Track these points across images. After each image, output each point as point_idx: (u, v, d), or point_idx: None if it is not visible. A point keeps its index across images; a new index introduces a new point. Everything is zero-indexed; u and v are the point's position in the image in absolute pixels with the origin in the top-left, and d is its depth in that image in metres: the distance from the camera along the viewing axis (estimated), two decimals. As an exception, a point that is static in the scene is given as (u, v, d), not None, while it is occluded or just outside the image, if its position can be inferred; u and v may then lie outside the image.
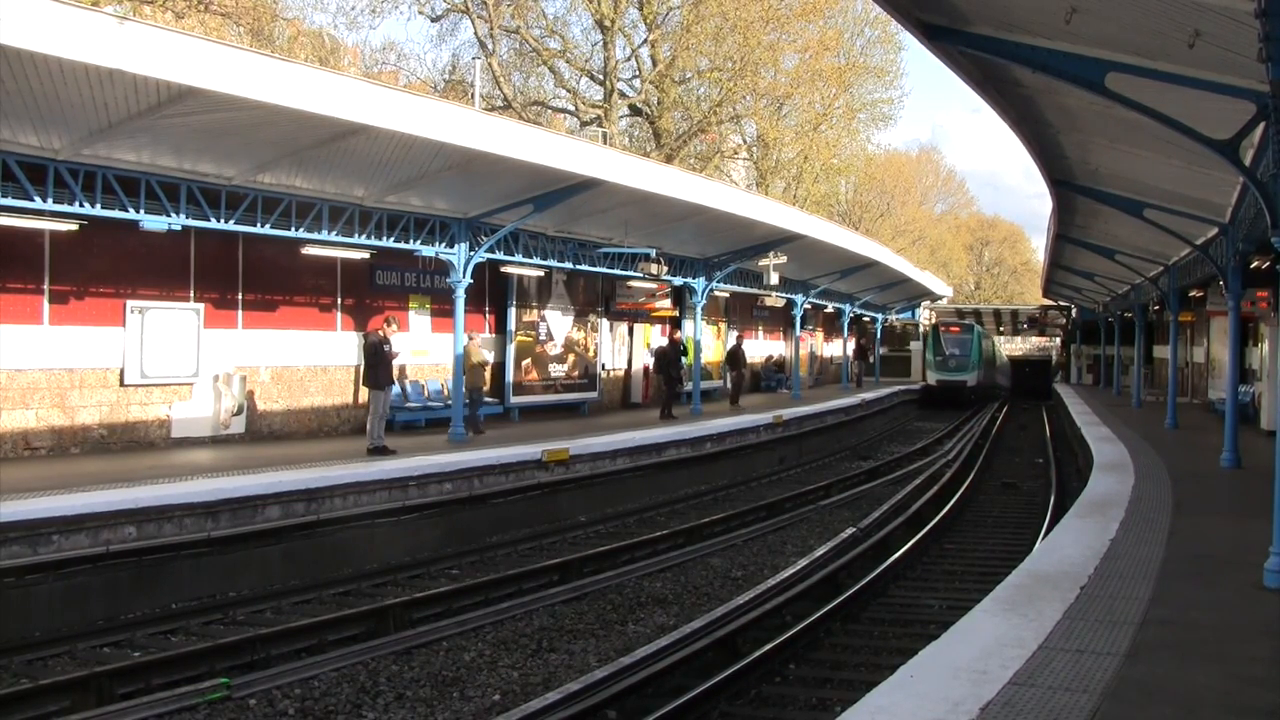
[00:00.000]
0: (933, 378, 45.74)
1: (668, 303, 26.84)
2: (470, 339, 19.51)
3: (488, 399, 21.06)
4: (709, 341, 30.45)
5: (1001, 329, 68.12)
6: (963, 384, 45.06)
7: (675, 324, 27.81)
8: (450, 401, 18.36)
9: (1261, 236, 12.33)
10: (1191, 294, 24.90)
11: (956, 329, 47.01)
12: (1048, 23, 8.40)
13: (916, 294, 46.76)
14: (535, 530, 14.92)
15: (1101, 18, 8.15)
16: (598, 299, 25.44)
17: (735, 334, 31.21)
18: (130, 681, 8.21)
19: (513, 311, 21.89)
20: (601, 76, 38.56)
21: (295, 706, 7.83)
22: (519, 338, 22.01)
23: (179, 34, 10.67)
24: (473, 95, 32.02)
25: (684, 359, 24.75)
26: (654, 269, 21.57)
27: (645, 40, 39.26)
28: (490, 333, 21.84)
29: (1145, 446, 17.42)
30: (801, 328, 34.50)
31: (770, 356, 37.63)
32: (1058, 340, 63.46)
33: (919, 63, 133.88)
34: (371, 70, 38.07)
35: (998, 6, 8.68)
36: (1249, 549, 8.53)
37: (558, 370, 23.58)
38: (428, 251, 16.74)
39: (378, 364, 15.35)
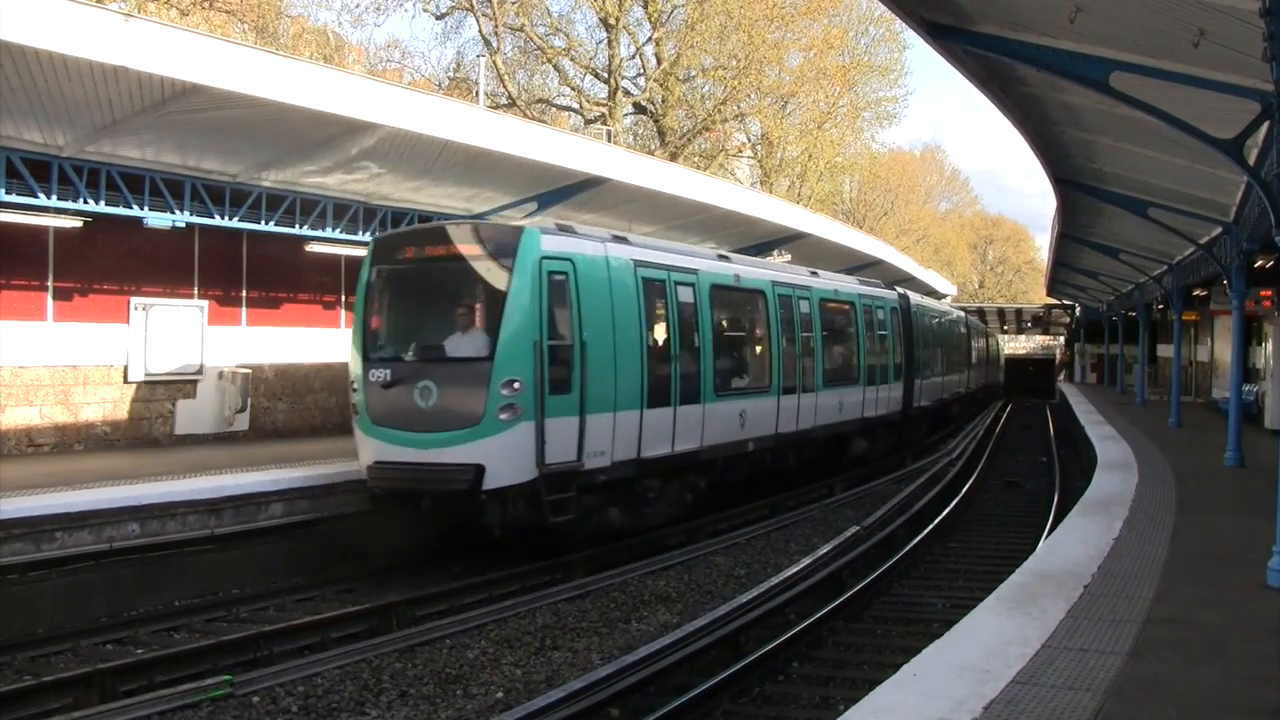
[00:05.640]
0: (368, 449, 11.53)
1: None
2: None
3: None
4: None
5: (1006, 327, 68.08)
6: (464, 485, 10.84)
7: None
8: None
9: (1265, 235, 12.32)
10: (1195, 293, 24.86)
11: (441, 249, 11.99)
12: (1052, 21, 8.40)
13: (921, 292, 46.11)
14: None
15: (1106, 17, 8.15)
16: (601, 297, 25.36)
17: None
18: (133, 679, 8.24)
19: (516, 309, 21.76)
20: (606, 74, 38.55)
21: (298, 704, 7.82)
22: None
23: (184, 31, 10.71)
24: (477, 93, 32.02)
25: None
26: (657, 267, 21.52)
27: (650, 38, 39.26)
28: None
29: (1149, 445, 17.37)
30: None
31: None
32: (1061, 339, 63.46)
33: (920, 61, 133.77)
34: (376, 68, 38.04)
35: (1002, 5, 8.67)
36: (1252, 548, 8.51)
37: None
38: (431, 249, 16.70)
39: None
